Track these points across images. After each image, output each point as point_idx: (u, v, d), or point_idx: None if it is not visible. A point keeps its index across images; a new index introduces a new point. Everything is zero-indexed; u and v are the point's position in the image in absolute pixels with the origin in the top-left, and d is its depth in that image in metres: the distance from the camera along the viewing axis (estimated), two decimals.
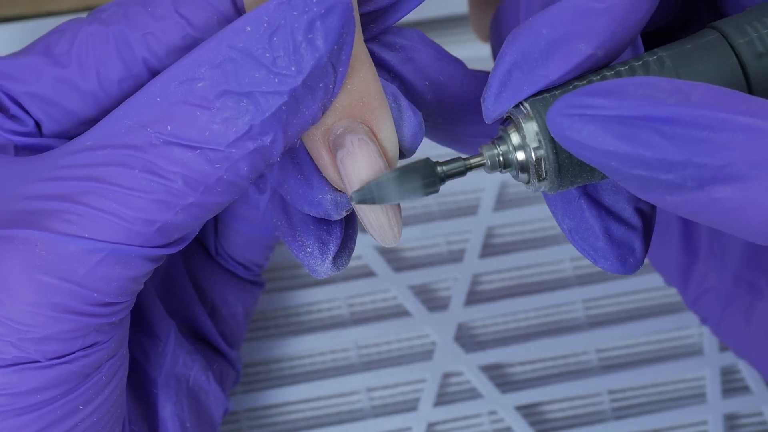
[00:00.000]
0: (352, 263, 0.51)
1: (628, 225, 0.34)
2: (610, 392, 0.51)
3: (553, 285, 0.52)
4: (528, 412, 0.50)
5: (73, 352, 0.32)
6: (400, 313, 0.51)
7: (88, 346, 0.33)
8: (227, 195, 0.32)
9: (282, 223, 0.36)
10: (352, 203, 0.32)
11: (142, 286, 0.33)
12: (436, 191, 0.32)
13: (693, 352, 0.51)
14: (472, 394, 0.50)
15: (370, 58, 0.33)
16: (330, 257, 0.35)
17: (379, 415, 0.49)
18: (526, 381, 0.51)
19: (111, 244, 0.31)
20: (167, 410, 0.40)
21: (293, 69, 0.30)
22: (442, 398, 0.50)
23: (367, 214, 0.33)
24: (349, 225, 0.36)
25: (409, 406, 0.50)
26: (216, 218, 0.44)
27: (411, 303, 0.50)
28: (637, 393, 0.51)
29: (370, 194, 0.32)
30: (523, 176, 0.32)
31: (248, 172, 0.31)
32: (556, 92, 0.31)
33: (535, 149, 0.31)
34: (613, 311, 0.52)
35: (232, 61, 0.30)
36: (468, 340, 0.51)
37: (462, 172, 0.32)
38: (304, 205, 0.34)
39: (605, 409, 0.50)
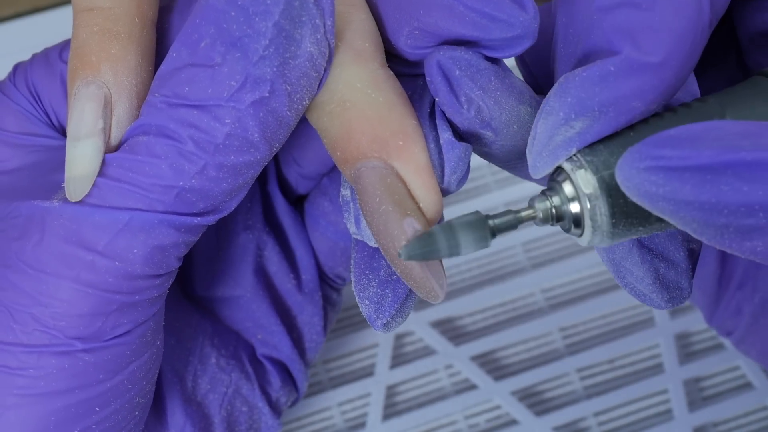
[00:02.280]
0: None
1: (678, 267, 0.33)
2: (561, 329, 0.51)
3: None
4: (483, 360, 0.50)
5: (93, 336, 0.32)
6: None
7: (109, 335, 0.32)
8: (241, 154, 0.31)
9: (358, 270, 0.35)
10: (400, 258, 0.31)
11: (176, 263, 0.33)
12: (487, 246, 0.31)
13: None
14: (427, 352, 0.50)
15: (395, 79, 0.32)
16: (382, 321, 0.34)
17: (338, 386, 0.49)
18: (478, 331, 0.51)
19: (131, 211, 0.31)
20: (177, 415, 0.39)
21: (268, 2, 0.29)
22: (398, 360, 0.50)
23: (409, 272, 0.32)
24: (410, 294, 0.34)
25: (366, 372, 0.50)
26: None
27: None
28: (588, 326, 0.51)
29: (418, 250, 0.30)
30: (576, 230, 0.31)
31: (257, 127, 0.31)
32: (608, 143, 0.30)
33: (589, 201, 0.30)
34: (553, 250, 0.53)
35: (221, 12, 0.30)
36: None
37: (513, 226, 0.31)
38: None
39: (558, 347, 0.51)
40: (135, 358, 0.33)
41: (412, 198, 0.31)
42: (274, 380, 0.42)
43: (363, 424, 0.49)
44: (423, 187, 0.32)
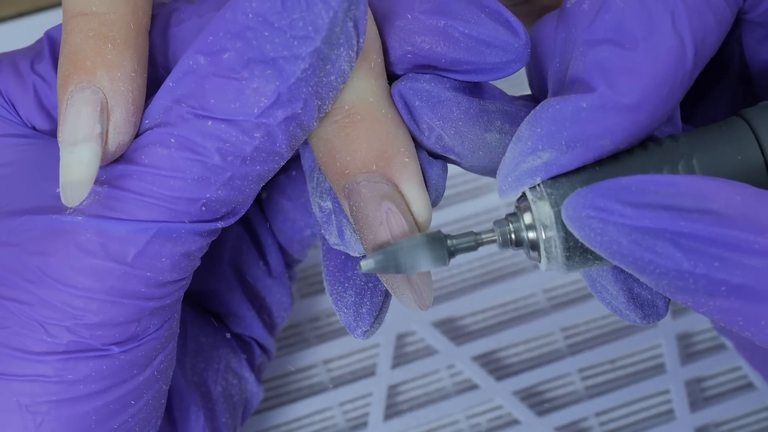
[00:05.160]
0: None
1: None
2: (563, 329, 0.51)
3: None
4: (485, 360, 0.50)
5: (129, 339, 0.32)
6: None
7: (143, 335, 0.32)
8: (267, 164, 0.32)
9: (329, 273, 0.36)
10: (360, 271, 0.32)
11: (198, 263, 0.33)
12: (445, 265, 0.32)
13: None
14: (428, 351, 0.50)
15: (390, 106, 0.33)
16: (363, 329, 0.35)
17: (339, 385, 0.49)
18: (479, 331, 0.51)
19: (158, 223, 0.31)
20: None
21: (310, 29, 0.30)
22: (399, 360, 0.50)
23: (395, 284, 0.33)
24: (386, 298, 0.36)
25: (368, 372, 0.50)
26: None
27: None
28: (590, 327, 0.51)
29: (377, 265, 0.31)
30: (534, 254, 0.32)
31: (285, 139, 0.31)
32: (572, 177, 0.31)
33: (545, 231, 0.31)
34: None
35: (251, 29, 0.30)
36: None
37: (473, 248, 0.32)
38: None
39: (560, 347, 0.51)
40: (162, 349, 0.34)
41: (411, 213, 0.33)
42: (254, 351, 0.44)
43: (364, 424, 0.49)
44: (420, 204, 0.33)
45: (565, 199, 0.29)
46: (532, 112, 0.31)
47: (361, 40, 0.31)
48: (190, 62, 0.31)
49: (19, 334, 0.31)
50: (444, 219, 0.52)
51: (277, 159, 0.32)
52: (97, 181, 0.31)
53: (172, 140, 0.31)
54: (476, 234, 0.32)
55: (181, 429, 0.39)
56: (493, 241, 0.32)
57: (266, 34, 0.30)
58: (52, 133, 0.35)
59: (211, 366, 0.42)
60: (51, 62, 0.34)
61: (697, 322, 0.51)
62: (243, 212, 0.33)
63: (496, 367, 0.50)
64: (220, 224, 0.32)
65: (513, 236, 0.32)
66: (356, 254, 0.35)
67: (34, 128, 0.35)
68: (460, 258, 0.51)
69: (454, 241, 0.32)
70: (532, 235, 0.31)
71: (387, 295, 0.36)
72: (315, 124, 0.32)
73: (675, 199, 0.28)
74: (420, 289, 0.33)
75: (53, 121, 0.35)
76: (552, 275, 0.51)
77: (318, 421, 0.49)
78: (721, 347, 0.51)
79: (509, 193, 0.31)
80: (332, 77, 0.31)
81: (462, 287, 0.52)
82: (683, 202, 0.27)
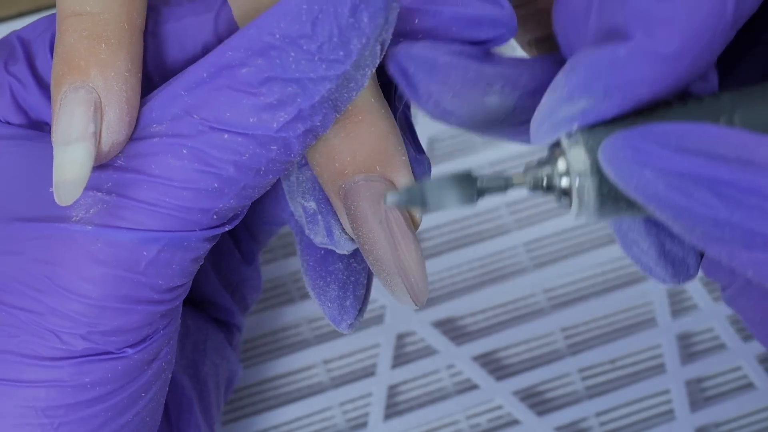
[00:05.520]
0: (293, 238, 0.51)
1: (684, 243, 0.33)
2: (563, 329, 0.51)
3: (493, 233, 0.52)
4: (485, 360, 0.50)
5: (141, 341, 0.32)
6: None
7: (153, 335, 0.33)
8: (279, 173, 0.32)
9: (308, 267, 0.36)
10: (385, 203, 0.31)
11: (202, 261, 0.33)
12: (473, 205, 0.31)
13: (638, 279, 0.52)
14: (428, 351, 0.50)
15: (387, 106, 0.33)
16: (348, 322, 0.36)
17: (339, 385, 0.49)
18: (479, 331, 0.51)
19: (169, 233, 0.31)
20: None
21: (341, 54, 0.30)
22: (399, 359, 0.50)
23: (390, 278, 0.33)
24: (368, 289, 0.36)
25: (368, 372, 0.50)
26: None
27: None
28: (590, 327, 0.51)
29: (404, 199, 0.31)
30: (564, 201, 0.31)
31: (300, 149, 0.31)
32: (609, 125, 0.30)
33: (580, 178, 0.30)
34: (554, 250, 0.52)
35: (276, 49, 0.30)
36: None
37: (502, 189, 0.31)
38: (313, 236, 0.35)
39: (560, 347, 0.51)
40: (167, 343, 0.34)
41: (409, 212, 0.33)
42: (232, 331, 0.45)
43: (364, 424, 0.49)
44: None
45: (603, 140, 0.28)
46: (569, 60, 0.30)
47: (382, 55, 0.31)
48: (204, 74, 0.31)
49: (30, 342, 0.31)
50: (441, 221, 0.52)
51: (288, 167, 0.32)
52: (104, 190, 0.31)
53: (185, 151, 0.31)
54: (506, 177, 0.31)
55: (174, 411, 0.40)
56: (523, 184, 0.31)
57: (292, 54, 0.30)
58: (31, 127, 0.34)
59: (198, 347, 0.42)
60: (25, 63, 0.34)
61: (698, 322, 0.51)
62: (244, 214, 0.33)
63: (496, 367, 0.50)
64: (226, 227, 0.33)
65: (545, 182, 0.31)
66: (345, 252, 0.35)
67: (8, 122, 0.35)
68: (460, 258, 0.51)
69: (485, 182, 0.31)
70: (564, 181, 0.31)
71: (368, 289, 0.36)
72: (326, 131, 0.32)
73: (717, 147, 0.27)
74: (415, 284, 0.33)
75: (31, 120, 0.34)
76: (552, 275, 0.51)
77: (318, 421, 0.49)
78: (721, 347, 0.51)
79: (544, 140, 0.31)
80: (353, 93, 0.31)
81: (462, 287, 0.52)
82: (725, 150, 0.27)
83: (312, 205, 0.34)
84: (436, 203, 0.31)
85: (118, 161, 0.31)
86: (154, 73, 0.34)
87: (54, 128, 0.31)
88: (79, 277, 0.31)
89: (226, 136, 0.31)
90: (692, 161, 0.27)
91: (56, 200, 0.31)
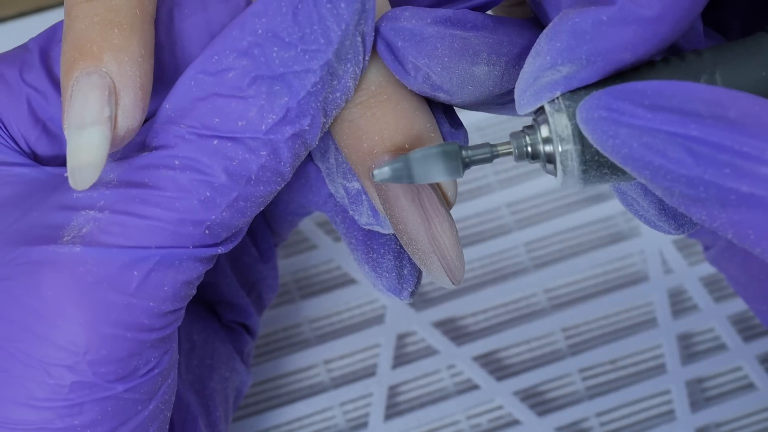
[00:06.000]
0: (293, 237, 0.51)
1: None
2: (563, 330, 0.51)
3: (493, 233, 0.52)
4: (485, 361, 0.50)
5: (130, 374, 0.31)
6: (347, 281, 0.51)
7: (144, 368, 0.32)
8: (270, 185, 0.31)
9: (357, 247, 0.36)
10: (374, 180, 0.31)
11: (194, 291, 0.32)
12: (460, 176, 0.31)
13: (638, 279, 0.52)
14: (429, 351, 0.50)
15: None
16: (409, 290, 0.35)
17: (340, 385, 0.49)
18: (480, 331, 0.51)
19: (161, 250, 0.30)
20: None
21: (322, 42, 0.30)
22: (400, 360, 0.50)
23: (425, 257, 0.33)
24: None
25: (368, 372, 0.50)
26: None
27: (355, 270, 0.51)
28: (590, 327, 0.51)
29: (392, 174, 0.31)
30: (550, 168, 0.31)
31: (290, 158, 0.31)
32: (591, 90, 0.30)
33: (562, 144, 0.30)
34: (555, 250, 0.52)
35: (259, 46, 0.30)
36: (417, 298, 0.51)
37: (488, 159, 0.32)
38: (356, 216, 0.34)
39: (561, 347, 0.51)
40: (164, 380, 0.33)
41: (442, 188, 0.33)
42: (243, 338, 0.44)
43: (365, 424, 0.49)
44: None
45: (580, 102, 0.28)
46: (550, 25, 0.30)
47: (367, 57, 0.31)
48: (191, 83, 0.31)
49: (21, 377, 0.30)
50: None
51: (280, 180, 0.32)
52: (96, 208, 0.31)
53: (176, 162, 0.30)
54: (492, 146, 0.32)
55: (178, 429, 0.39)
56: (509, 153, 0.32)
57: (276, 49, 0.30)
58: (45, 154, 0.34)
59: (204, 362, 0.41)
60: (43, 71, 0.33)
61: (698, 323, 0.51)
62: (241, 237, 0.33)
63: (497, 367, 0.50)
64: (220, 249, 0.32)
65: (529, 149, 0.31)
66: (389, 231, 0.34)
67: (29, 147, 0.34)
68: None
69: (470, 152, 0.31)
70: (548, 148, 0.31)
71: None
72: (316, 143, 0.32)
73: (690, 104, 0.27)
74: (451, 262, 0.33)
75: (49, 133, 0.34)
76: (553, 275, 0.52)
77: (318, 421, 0.49)
78: (721, 347, 0.51)
79: (528, 108, 0.31)
80: (338, 94, 0.31)
81: (462, 287, 0.51)
82: (698, 107, 0.27)
83: (355, 185, 0.34)
84: (422, 176, 0.31)
85: (112, 179, 0.31)
86: (170, 72, 0.34)
87: (66, 114, 0.31)
88: (66, 303, 0.30)
89: (215, 141, 0.30)
90: (665, 118, 0.27)
91: (72, 185, 0.30)
